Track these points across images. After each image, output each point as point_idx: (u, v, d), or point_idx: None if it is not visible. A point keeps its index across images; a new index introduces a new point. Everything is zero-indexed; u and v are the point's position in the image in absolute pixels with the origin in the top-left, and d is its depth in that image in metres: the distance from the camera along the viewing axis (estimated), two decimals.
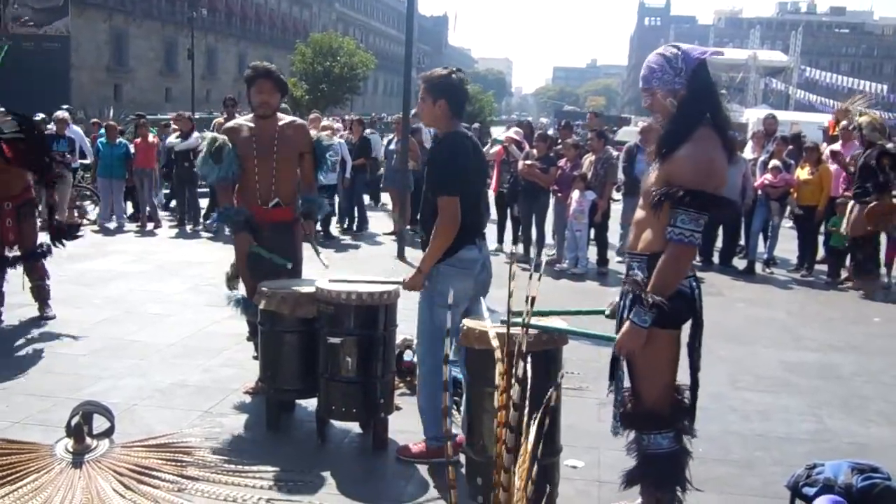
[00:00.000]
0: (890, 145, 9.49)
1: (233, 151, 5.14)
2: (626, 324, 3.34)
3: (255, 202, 5.23)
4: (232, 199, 5.34)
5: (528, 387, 2.19)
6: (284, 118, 5.40)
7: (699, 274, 3.55)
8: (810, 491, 3.72)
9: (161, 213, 13.90)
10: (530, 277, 2.38)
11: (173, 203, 14.18)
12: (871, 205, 9.43)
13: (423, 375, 4.44)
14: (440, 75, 4.42)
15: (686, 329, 3.49)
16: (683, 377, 3.58)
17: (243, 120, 5.42)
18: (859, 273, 9.88)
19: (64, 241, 7.61)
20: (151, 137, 13.43)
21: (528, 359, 2.23)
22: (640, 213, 3.48)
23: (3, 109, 7.08)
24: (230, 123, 5.56)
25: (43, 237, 7.47)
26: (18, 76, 33.27)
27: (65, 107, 15.82)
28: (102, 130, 14.01)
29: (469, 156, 4.40)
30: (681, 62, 3.34)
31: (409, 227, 11.86)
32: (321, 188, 5.80)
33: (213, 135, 5.36)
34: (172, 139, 13.09)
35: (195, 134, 13.05)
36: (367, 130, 14.50)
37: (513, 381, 2.22)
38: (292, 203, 5.35)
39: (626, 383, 3.56)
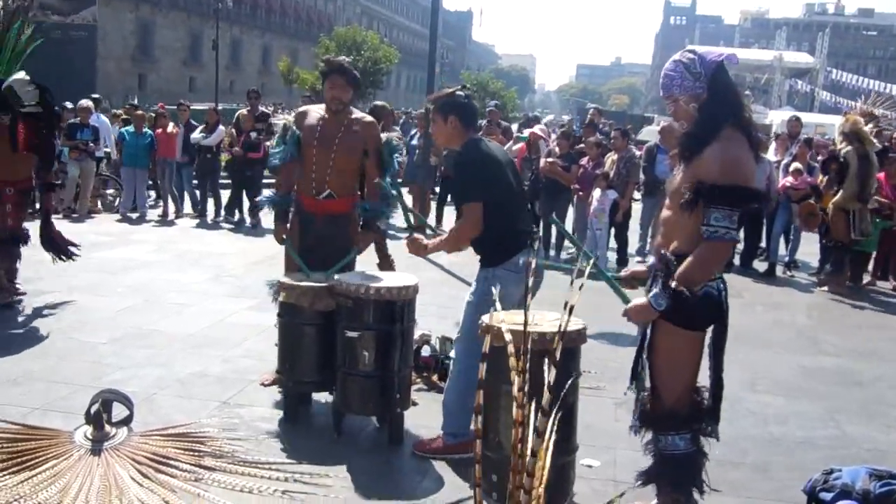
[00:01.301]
0: (847, 150, 9.51)
1: (296, 135, 5.21)
2: (642, 298, 3.35)
3: (309, 191, 5.25)
4: (289, 184, 5.40)
5: (548, 386, 2.19)
6: (357, 114, 5.40)
7: None
8: (827, 496, 3.70)
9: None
10: (571, 282, 2.38)
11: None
12: (804, 203, 10.06)
13: (456, 372, 4.42)
14: (446, 94, 4.56)
15: (709, 331, 3.49)
16: (703, 379, 3.57)
17: (316, 108, 5.45)
18: (830, 272, 10.12)
19: (52, 252, 7.69)
20: (171, 127, 13.49)
21: (554, 357, 2.23)
22: (666, 213, 3.48)
23: (26, 76, 6.93)
24: (303, 108, 5.62)
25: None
26: (45, 65, 33.51)
27: (94, 96, 15.87)
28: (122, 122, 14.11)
29: (497, 159, 4.43)
30: (699, 66, 3.34)
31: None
32: None
33: (288, 118, 5.50)
34: (197, 134, 13.14)
35: (220, 127, 13.13)
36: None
37: (526, 376, 2.23)
38: (348, 196, 5.33)
39: (648, 383, 3.56)
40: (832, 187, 9.72)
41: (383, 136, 5.48)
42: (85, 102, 13.56)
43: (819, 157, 11.43)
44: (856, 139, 9.63)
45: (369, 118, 5.53)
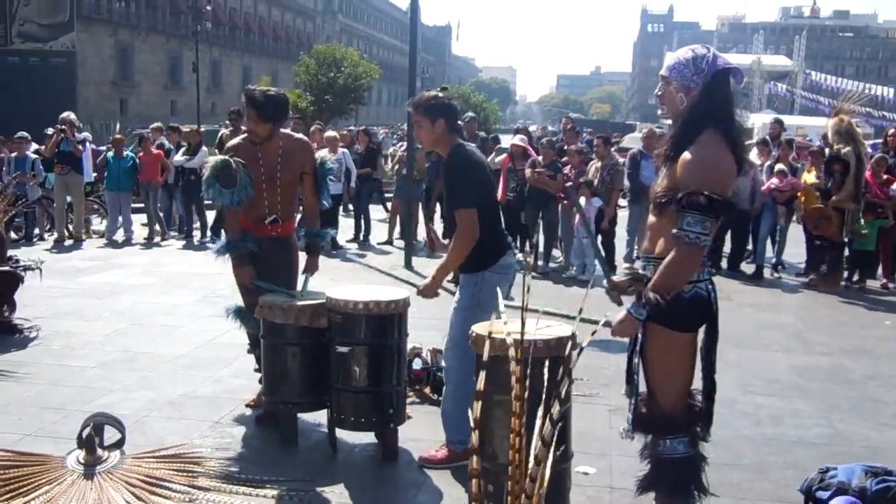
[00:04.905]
0: (846, 150, 9.57)
1: (248, 175, 4.94)
2: (623, 311, 3.33)
3: (255, 219, 5.11)
4: (240, 224, 5.14)
5: (557, 391, 2.19)
6: (290, 135, 5.27)
7: None
8: (824, 494, 3.71)
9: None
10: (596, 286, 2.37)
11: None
12: (811, 207, 9.97)
13: (452, 381, 4.44)
14: (431, 97, 4.50)
15: (701, 333, 3.47)
16: (696, 382, 3.57)
17: (241, 138, 5.26)
18: (825, 273, 10.16)
19: None
20: (154, 150, 13.44)
21: (568, 363, 2.23)
22: (651, 218, 3.46)
23: None
24: (231, 143, 5.31)
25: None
26: (25, 92, 33.50)
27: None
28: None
29: (483, 165, 4.51)
30: (705, 64, 3.30)
31: (417, 238, 11.82)
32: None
33: (223, 157, 5.05)
34: (179, 157, 13.10)
35: (203, 148, 13.06)
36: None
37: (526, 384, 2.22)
38: (290, 219, 5.28)
39: (643, 387, 3.54)
40: (839, 188, 9.69)
41: (317, 155, 5.40)
42: (70, 115, 13.42)
43: (802, 161, 11.51)
44: (851, 139, 9.68)
45: (301, 138, 5.41)
